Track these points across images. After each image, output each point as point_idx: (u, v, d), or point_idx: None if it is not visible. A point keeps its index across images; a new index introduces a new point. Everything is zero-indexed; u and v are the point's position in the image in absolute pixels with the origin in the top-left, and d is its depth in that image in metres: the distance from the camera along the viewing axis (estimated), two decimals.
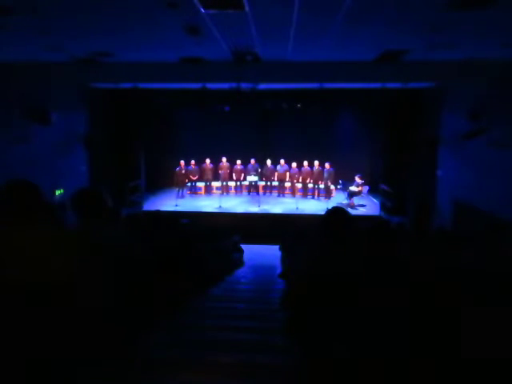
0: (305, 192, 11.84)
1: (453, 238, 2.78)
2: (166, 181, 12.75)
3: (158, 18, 5.19)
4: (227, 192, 12.22)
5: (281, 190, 12.14)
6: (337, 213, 2.40)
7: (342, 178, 11.05)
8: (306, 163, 11.66)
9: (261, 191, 12.12)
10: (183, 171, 11.73)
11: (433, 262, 2.37)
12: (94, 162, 9.31)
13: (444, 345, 1.87)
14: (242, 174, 12.06)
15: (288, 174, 11.86)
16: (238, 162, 12.03)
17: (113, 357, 2.13)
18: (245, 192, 12.34)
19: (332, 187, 11.36)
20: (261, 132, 12.55)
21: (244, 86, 8.51)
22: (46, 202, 1.70)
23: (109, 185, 9.59)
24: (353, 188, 10.64)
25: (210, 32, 5.81)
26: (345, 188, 10.84)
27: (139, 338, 2.72)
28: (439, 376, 1.81)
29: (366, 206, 10.92)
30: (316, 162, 11.50)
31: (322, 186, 11.58)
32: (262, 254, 9.21)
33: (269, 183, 12.15)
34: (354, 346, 2.06)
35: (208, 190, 12.36)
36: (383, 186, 10.29)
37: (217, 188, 12.28)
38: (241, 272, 7.89)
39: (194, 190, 12.27)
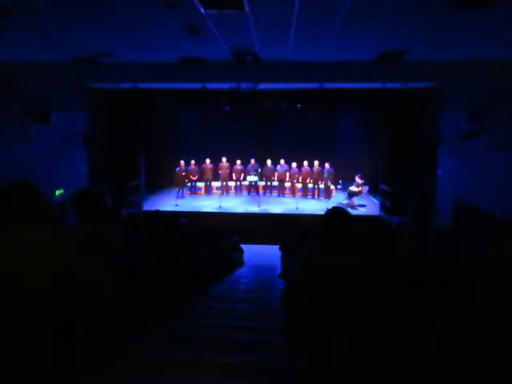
0: (305, 192, 11.84)
1: (453, 238, 2.79)
2: (165, 181, 12.75)
3: (157, 17, 5.19)
4: (227, 192, 12.22)
5: (281, 190, 12.13)
6: (337, 213, 2.40)
7: (342, 178, 11.05)
8: (305, 163, 11.65)
9: (261, 191, 12.12)
10: (183, 171, 11.73)
11: (433, 261, 2.37)
12: (94, 162, 9.31)
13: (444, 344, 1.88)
14: (242, 174, 12.06)
15: (288, 174, 11.85)
16: (238, 162, 12.03)
17: (113, 357, 2.13)
18: (245, 192, 12.34)
19: (332, 187, 11.37)
20: (261, 132, 12.54)
21: (244, 86, 8.51)
22: (46, 202, 1.70)
23: (109, 185, 9.59)
24: (353, 188, 10.63)
25: (210, 32, 5.81)
26: (345, 188, 10.83)
27: (139, 338, 2.72)
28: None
29: (366, 206, 10.92)
30: (316, 162, 11.50)
31: (321, 186, 11.57)
32: (262, 253, 9.22)
33: (269, 183, 12.14)
34: (353, 346, 2.06)
35: (208, 190, 12.35)
36: (383, 186, 10.29)
37: (217, 188, 12.28)
38: (241, 272, 7.90)
39: (194, 190, 12.26)
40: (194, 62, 8.01)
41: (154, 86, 9.27)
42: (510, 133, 7.61)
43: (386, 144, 10.36)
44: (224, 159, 12.12)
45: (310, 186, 11.75)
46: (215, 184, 12.31)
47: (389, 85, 8.65)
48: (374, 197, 11.67)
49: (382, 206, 10.19)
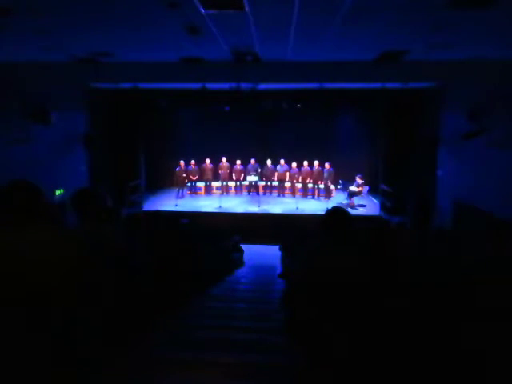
0: (305, 192, 11.84)
1: (453, 238, 2.79)
2: (165, 181, 12.75)
3: (157, 17, 5.19)
4: (227, 192, 12.21)
5: (281, 190, 12.13)
6: (337, 213, 2.40)
7: (342, 178, 11.04)
8: (305, 163, 11.65)
9: (261, 191, 12.11)
10: (183, 171, 11.73)
11: (433, 261, 2.37)
12: (94, 162, 9.31)
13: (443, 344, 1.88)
14: (242, 174, 12.06)
15: (288, 174, 11.85)
16: (238, 162, 12.03)
17: (113, 357, 2.13)
18: (245, 192, 12.34)
19: (332, 187, 11.36)
20: (261, 132, 12.54)
21: (244, 86, 8.51)
22: (46, 202, 1.70)
23: (109, 185, 9.59)
24: (353, 188, 10.64)
25: (210, 32, 5.81)
26: (345, 188, 10.83)
27: (139, 337, 2.72)
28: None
29: (366, 206, 10.91)
30: (316, 162, 11.50)
31: (321, 186, 11.58)
32: (262, 253, 9.22)
33: (269, 183, 12.14)
34: (353, 346, 2.06)
35: (208, 189, 12.35)
36: (383, 186, 10.29)
37: (217, 188, 12.27)
38: (241, 272, 7.90)
39: (193, 190, 12.26)
40: (194, 62, 8.01)
41: (154, 86, 9.27)
42: (510, 133, 7.62)
43: (385, 144, 10.36)
44: (224, 159, 12.12)
45: (310, 185, 11.75)
46: (215, 184, 12.30)
47: (389, 85, 8.65)
48: (374, 197, 11.67)
49: (382, 206, 10.19)
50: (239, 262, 8.33)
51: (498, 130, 7.69)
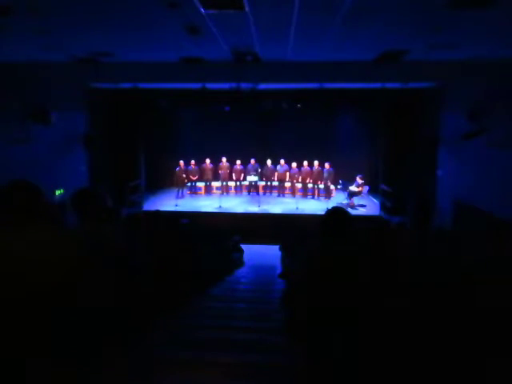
0: (305, 192, 11.84)
1: (453, 238, 2.79)
2: (165, 181, 12.75)
3: (157, 18, 5.19)
4: (227, 192, 12.21)
5: (281, 190, 12.13)
6: (337, 213, 2.40)
7: (342, 178, 11.05)
8: (305, 163, 11.65)
9: (261, 191, 12.12)
10: (183, 171, 11.73)
11: (433, 261, 2.37)
12: (94, 162, 9.31)
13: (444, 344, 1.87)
14: (242, 174, 12.06)
15: (288, 174, 11.85)
16: (238, 162, 12.03)
17: (113, 357, 2.13)
18: (245, 192, 12.34)
19: (332, 187, 11.37)
20: (261, 132, 12.54)
21: (244, 86, 8.51)
22: (46, 202, 1.70)
23: (109, 185, 9.60)
24: (353, 188, 10.64)
25: (210, 32, 5.81)
26: (345, 188, 10.84)
27: (139, 338, 2.72)
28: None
29: (366, 206, 10.92)
30: (316, 162, 11.50)
31: (321, 186, 11.58)
32: (262, 253, 9.22)
33: (269, 183, 12.15)
34: (353, 346, 2.06)
35: (208, 189, 12.35)
36: (383, 186, 10.29)
37: (217, 188, 12.28)
38: (241, 272, 7.90)
39: (193, 190, 12.26)
40: (194, 62, 8.01)
41: (154, 85, 9.27)
42: (510, 133, 7.61)
43: (385, 144, 10.36)
44: (224, 159, 12.12)
45: (310, 186, 11.75)
46: (215, 184, 12.31)
47: (389, 85, 8.65)
48: (374, 197, 11.67)
49: (382, 206, 10.19)
50: (239, 262, 8.33)
51: (498, 130, 7.69)
